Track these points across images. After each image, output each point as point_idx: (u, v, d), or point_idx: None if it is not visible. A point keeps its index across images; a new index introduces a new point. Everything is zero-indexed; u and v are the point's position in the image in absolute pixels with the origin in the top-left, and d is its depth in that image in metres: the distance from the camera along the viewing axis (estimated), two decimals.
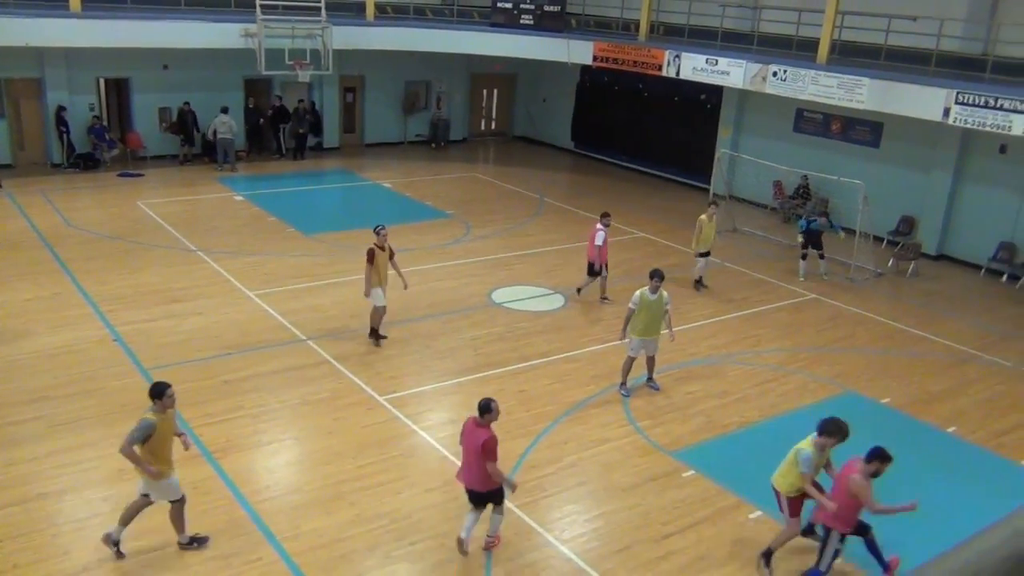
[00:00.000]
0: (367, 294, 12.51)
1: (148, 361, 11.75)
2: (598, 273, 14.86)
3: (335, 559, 8.03)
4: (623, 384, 11.72)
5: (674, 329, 11.94)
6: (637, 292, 11.37)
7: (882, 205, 18.87)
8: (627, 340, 11.56)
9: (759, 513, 9.15)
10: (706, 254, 15.92)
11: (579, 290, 15.09)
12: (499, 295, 15.14)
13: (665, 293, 11.41)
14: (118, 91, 23.62)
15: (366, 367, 11.99)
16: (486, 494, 8.08)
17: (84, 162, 22.02)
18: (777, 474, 8.28)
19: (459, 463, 8.47)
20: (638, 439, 10.55)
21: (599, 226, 14.77)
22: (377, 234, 12.59)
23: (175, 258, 15.92)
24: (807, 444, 8.05)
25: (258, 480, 9.28)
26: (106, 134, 22.44)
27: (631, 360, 11.59)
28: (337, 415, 10.68)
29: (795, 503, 8.17)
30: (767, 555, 8.24)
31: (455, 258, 17.07)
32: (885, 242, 19.31)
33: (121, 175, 21.85)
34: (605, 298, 15.02)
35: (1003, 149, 17.92)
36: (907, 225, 19.63)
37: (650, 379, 11.94)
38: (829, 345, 13.96)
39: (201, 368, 11.68)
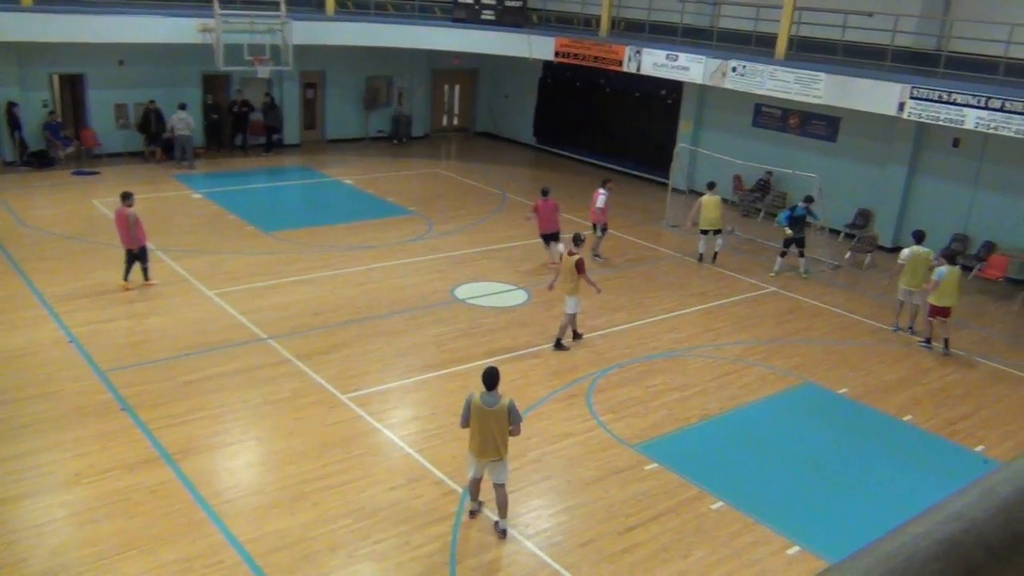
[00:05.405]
0: (574, 305, 12.72)
1: (105, 363, 11.56)
2: (603, 232, 17.22)
3: (298, 560, 7.97)
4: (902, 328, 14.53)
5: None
6: (907, 250, 14.15)
7: (839, 198, 19.18)
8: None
9: (721, 504, 9.26)
10: (707, 231, 17.34)
11: (593, 250, 17.09)
12: (462, 291, 15.13)
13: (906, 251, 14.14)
14: (72, 87, 23.15)
15: (328, 366, 11.91)
16: (552, 235, 15.88)
17: (38, 160, 21.57)
18: (949, 299, 13.26)
19: (423, 460, 9.68)
20: (601, 433, 10.61)
21: (601, 190, 16.93)
22: (582, 243, 13.31)
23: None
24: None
25: (219, 482, 9.18)
26: (61, 131, 22.02)
27: (900, 304, 14.52)
28: (299, 414, 10.60)
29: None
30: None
31: (418, 255, 17.02)
32: (842, 235, 19.62)
33: (76, 173, 21.45)
34: (597, 256, 17.05)
35: (956, 143, 18.28)
36: (863, 218, 19.95)
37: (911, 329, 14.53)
38: (788, 337, 14.15)
39: (160, 369, 11.52)
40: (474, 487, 8.60)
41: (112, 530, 8.17)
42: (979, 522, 1.28)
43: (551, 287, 13.49)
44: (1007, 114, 15.12)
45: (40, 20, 19.63)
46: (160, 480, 9.02)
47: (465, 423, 8.38)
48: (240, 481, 9.27)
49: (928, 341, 13.99)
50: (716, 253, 17.63)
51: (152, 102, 22.71)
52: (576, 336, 13.19)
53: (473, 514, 8.70)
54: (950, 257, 13.71)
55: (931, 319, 13.79)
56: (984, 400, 12.30)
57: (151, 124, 22.80)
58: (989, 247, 17.81)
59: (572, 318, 12.91)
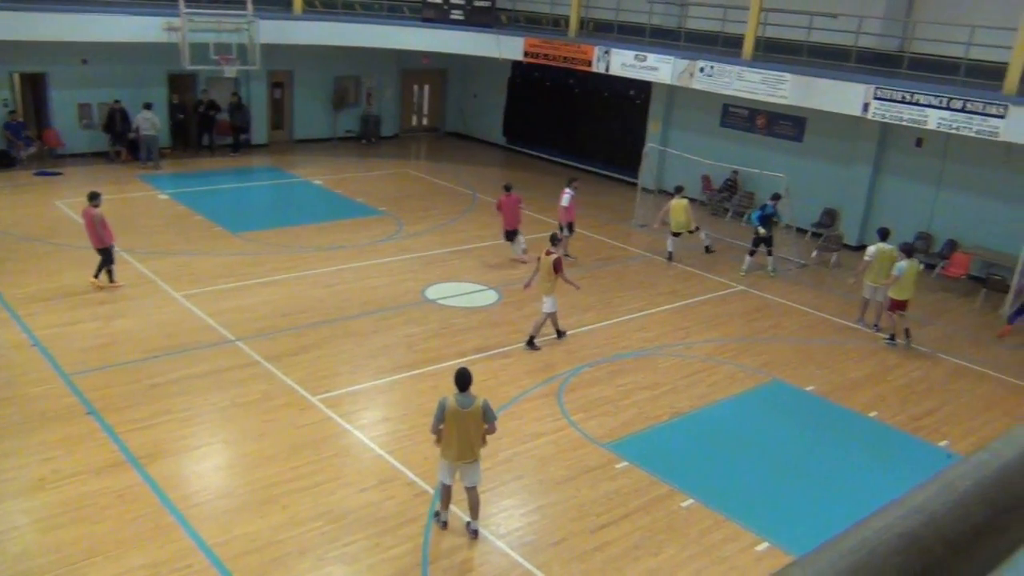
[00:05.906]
0: (551, 304, 12.84)
1: (69, 366, 11.37)
2: (571, 231, 17.27)
3: (268, 563, 7.91)
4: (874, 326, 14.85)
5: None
6: (873, 247, 14.44)
7: (805, 198, 19.40)
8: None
9: (691, 501, 9.33)
10: (678, 234, 17.61)
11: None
12: (433, 292, 15.09)
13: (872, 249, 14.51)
14: (34, 86, 22.75)
15: (297, 367, 11.82)
16: (513, 231, 16.30)
17: None
18: (907, 292, 13.67)
19: (394, 462, 9.61)
20: (572, 432, 10.65)
21: (567, 190, 17.12)
22: (559, 243, 13.52)
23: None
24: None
25: (187, 485, 9.07)
26: (23, 131, 21.63)
27: (866, 301, 14.89)
28: (268, 417, 10.51)
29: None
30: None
31: (388, 255, 16.95)
32: (809, 234, 19.84)
33: (38, 174, 21.08)
34: (565, 255, 16.24)
35: (919, 143, 18.57)
36: (829, 217, 20.20)
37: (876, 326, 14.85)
38: (756, 335, 14.29)
39: (126, 372, 11.36)
40: (446, 494, 8.54)
41: (77, 536, 8.05)
42: (938, 516, 1.30)
43: (527, 286, 13.49)
44: (968, 114, 15.38)
45: (0, 18, 19.23)
46: (127, 484, 8.90)
47: (436, 428, 8.28)
48: (209, 484, 9.17)
49: (892, 338, 14.22)
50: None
51: (117, 102, 22.39)
52: (560, 334, 13.27)
53: (445, 524, 8.63)
54: (908, 251, 14.15)
55: (891, 312, 14.16)
56: (948, 396, 12.51)
57: (116, 124, 22.47)
58: (952, 245, 18.12)
59: (550, 317, 12.96)
